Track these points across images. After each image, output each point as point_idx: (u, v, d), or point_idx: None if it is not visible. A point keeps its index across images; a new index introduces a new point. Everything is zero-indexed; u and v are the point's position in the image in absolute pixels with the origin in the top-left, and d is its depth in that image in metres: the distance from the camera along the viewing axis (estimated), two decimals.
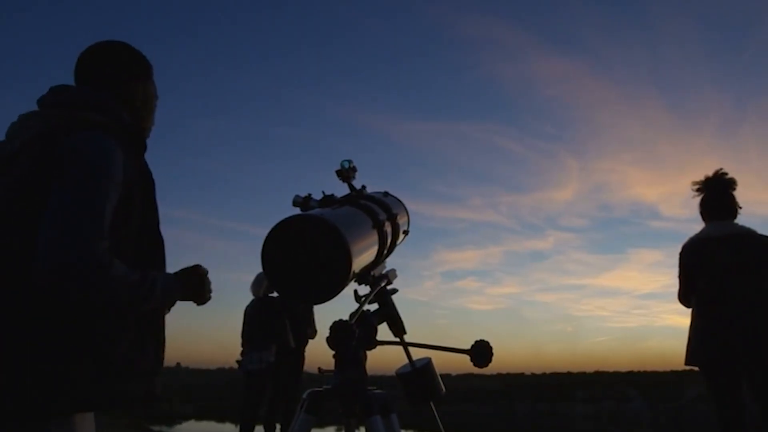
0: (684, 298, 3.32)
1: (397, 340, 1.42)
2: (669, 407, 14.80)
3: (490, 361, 1.30)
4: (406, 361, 1.43)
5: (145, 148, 1.40)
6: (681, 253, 3.34)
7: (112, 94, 1.41)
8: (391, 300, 1.45)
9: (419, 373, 1.40)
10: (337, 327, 1.15)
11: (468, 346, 1.34)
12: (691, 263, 3.26)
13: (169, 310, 1.41)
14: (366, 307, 1.39)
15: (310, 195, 1.51)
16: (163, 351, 1.38)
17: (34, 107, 1.39)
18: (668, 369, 18.24)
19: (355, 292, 1.40)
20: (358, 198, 1.45)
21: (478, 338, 1.33)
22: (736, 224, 3.26)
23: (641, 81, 27.90)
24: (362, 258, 1.23)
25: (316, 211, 1.16)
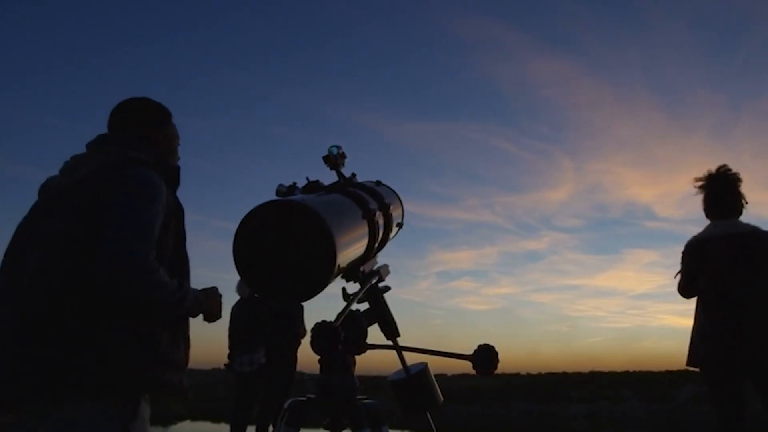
0: (684, 291, 3.23)
1: (390, 343, 1.27)
2: (664, 407, 14.77)
3: (495, 368, 1.15)
4: (400, 366, 1.29)
5: (178, 183, 1.67)
6: (683, 252, 3.24)
7: (142, 140, 1.69)
8: (383, 299, 1.30)
9: (414, 381, 1.25)
10: (320, 330, 1.00)
11: (468, 349, 1.19)
12: (693, 263, 3.16)
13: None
14: (355, 306, 1.25)
15: (295, 184, 1.37)
16: (189, 349, 1.61)
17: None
18: (663, 369, 18.23)
19: (343, 290, 1.25)
20: (346, 185, 1.30)
21: (480, 342, 1.18)
22: (740, 222, 3.15)
23: (636, 82, 27.83)
24: (350, 251, 1.08)
25: (298, 197, 1.01)
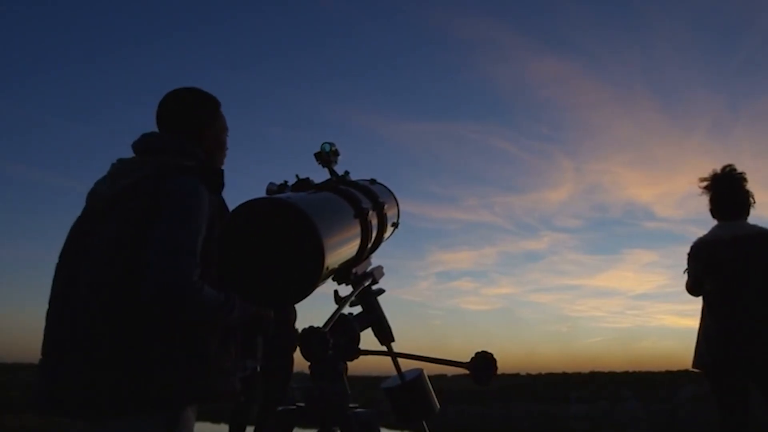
0: (692, 290, 3.17)
1: (384, 349, 1.21)
2: (663, 407, 14.74)
3: (492, 376, 1.08)
4: (395, 372, 1.23)
5: (222, 186, 1.62)
6: (689, 254, 3.18)
7: (190, 138, 1.67)
8: (376, 302, 1.23)
9: (409, 388, 1.19)
10: (307, 336, 0.94)
11: (467, 350, 1.13)
12: (699, 266, 3.11)
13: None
14: (348, 310, 1.19)
15: (286, 182, 1.31)
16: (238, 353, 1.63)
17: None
18: (663, 369, 18.22)
19: (335, 292, 1.18)
20: (338, 183, 1.24)
21: (480, 342, 1.12)
22: (747, 224, 3.09)
23: (635, 82, 27.82)
24: (340, 252, 1.01)
25: (284, 195, 0.93)
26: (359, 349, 1.15)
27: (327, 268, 0.90)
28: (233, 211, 0.90)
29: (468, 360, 1.10)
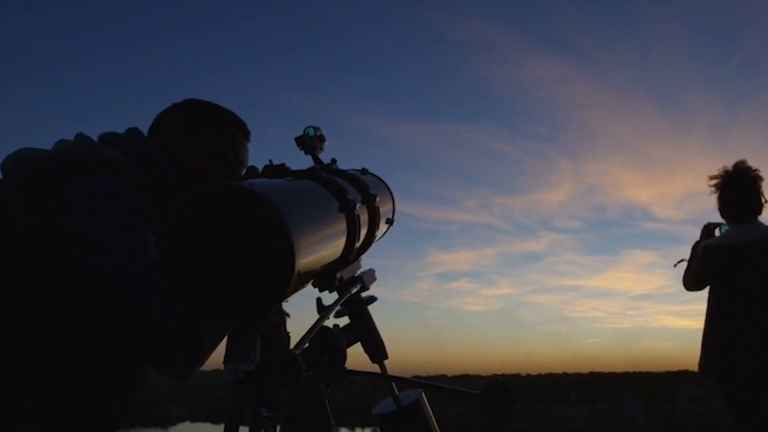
0: (691, 287, 3.01)
1: (376, 369, 1.02)
2: (663, 408, 14.67)
3: (509, 410, 0.89)
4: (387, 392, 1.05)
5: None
6: (701, 255, 3.00)
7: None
8: (367, 312, 1.03)
9: (406, 414, 1.00)
10: (277, 361, 0.75)
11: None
12: (708, 270, 2.94)
13: None
14: (333, 321, 1.01)
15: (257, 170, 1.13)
16: None
17: None
18: (663, 370, 18.16)
19: (318, 300, 0.98)
20: (321, 171, 1.05)
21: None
22: (761, 226, 2.92)
23: (633, 83, 27.64)
24: (318, 253, 0.81)
25: (246, 181, 0.74)
26: (345, 369, 0.96)
27: (299, 273, 0.70)
28: (177, 203, 0.70)
29: (478, 390, 0.90)
